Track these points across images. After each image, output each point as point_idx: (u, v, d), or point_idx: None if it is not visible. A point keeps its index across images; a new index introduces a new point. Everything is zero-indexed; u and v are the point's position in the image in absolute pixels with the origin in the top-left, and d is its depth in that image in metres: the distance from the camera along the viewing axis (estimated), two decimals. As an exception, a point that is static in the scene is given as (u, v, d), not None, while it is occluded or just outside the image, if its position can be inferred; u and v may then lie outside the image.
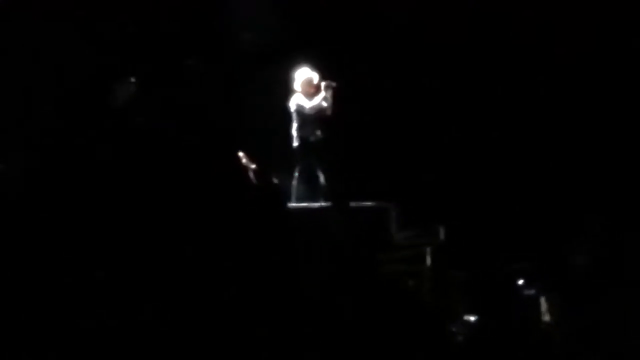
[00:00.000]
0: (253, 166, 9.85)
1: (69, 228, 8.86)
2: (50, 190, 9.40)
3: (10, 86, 10.01)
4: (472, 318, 10.06)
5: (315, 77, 10.92)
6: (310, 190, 10.76)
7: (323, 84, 10.85)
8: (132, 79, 10.49)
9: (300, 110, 10.84)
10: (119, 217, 8.68)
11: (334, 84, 10.84)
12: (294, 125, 10.89)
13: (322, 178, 10.77)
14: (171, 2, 11.56)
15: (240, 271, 8.71)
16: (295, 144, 10.91)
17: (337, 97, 10.86)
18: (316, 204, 10.52)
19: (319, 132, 10.84)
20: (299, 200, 10.69)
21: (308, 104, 10.84)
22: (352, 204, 10.58)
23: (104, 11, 10.92)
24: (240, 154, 10.11)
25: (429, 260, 10.34)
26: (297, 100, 10.89)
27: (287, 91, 10.99)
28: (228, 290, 8.60)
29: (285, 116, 10.99)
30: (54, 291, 8.69)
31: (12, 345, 8.25)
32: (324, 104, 10.84)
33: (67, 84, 10.28)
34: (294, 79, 10.97)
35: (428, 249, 10.41)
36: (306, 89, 10.91)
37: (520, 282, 10.68)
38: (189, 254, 8.68)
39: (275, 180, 9.90)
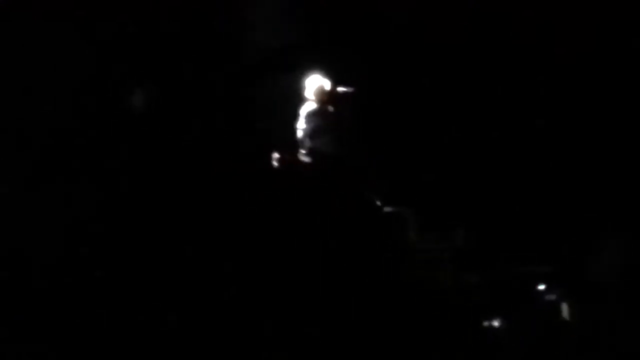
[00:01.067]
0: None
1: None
2: (52, 190, 9.41)
3: (10, 86, 10.00)
4: (493, 323, 10.06)
5: (327, 84, 10.57)
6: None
7: (340, 90, 10.52)
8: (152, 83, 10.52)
9: (311, 121, 10.48)
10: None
11: (351, 90, 10.50)
12: (303, 135, 10.53)
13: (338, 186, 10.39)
14: (171, 2, 11.53)
15: (258, 272, 8.75)
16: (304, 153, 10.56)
17: (354, 104, 10.53)
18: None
19: (329, 144, 10.46)
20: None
21: (321, 117, 10.50)
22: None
23: (104, 11, 10.89)
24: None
25: (448, 265, 10.28)
26: (309, 110, 10.54)
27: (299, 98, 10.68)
28: (241, 289, 8.64)
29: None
30: (54, 291, 8.70)
31: (12, 345, 8.26)
32: (339, 116, 10.48)
33: (67, 84, 10.27)
34: (305, 87, 10.63)
35: (448, 254, 10.36)
36: (319, 97, 10.55)
37: (542, 287, 10.65)
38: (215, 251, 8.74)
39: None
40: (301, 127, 10.56)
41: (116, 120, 10.32)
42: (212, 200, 9.35)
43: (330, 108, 10.65)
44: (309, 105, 10.62)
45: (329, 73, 10.74)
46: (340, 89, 10.58)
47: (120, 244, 9.21)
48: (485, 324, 9.97)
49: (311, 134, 10.55)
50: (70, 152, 9.90)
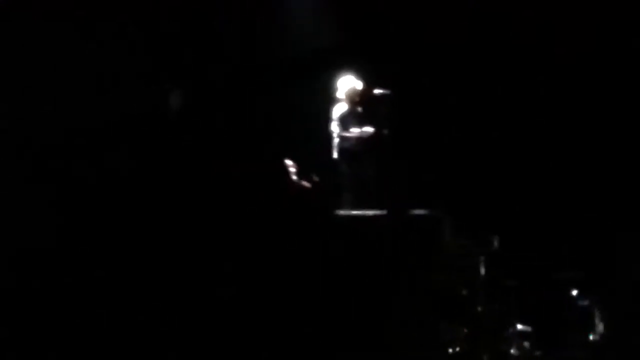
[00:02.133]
0: (293, 170, 9.72)
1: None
2: (53, 191, 9.41)
3: (11, 86, 10.00)
4: (526, 328, 10.05)
5: (359, 85, 10.59)
6: (359, 198, 10.29)
7: (377, 92, 10.46)
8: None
9: (343, 122, 10.50)
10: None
11: (387, 92, 10.42)
12: (336, 136, 10.55)
13: (371, 186, 10.38)
14: (171, 2, 11.53)
15: (279, 273, 8.72)
16: (336, 155, 10.57)
17: (391, 106, 10.44)
18: (369, 212, 9.91)
19: (361, 145, 10.50)
20: (348, 208, 10.15)
21: (353, 119, 10.50)
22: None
23: (104, 11, 10.89)
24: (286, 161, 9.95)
25: (482, 270, 10.24)
26: (341, 111, 10.56)
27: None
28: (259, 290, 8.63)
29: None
30: (54, 291, 8.70)
31: (12, 345, 8.26)
32: (373, 118, 10.45)
33: (67, 83, 10.27)
34: (337, 87, 10.67)
35: (482, 258, 10.32)
36: (351, 99, 10.60)
37: (575, 292, 10.63)
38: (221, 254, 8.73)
39: (318, 181, 9.75)
40: (334, 128, 10.54)
41: (116, 120, 10.32)
42: (214, 201, 9.36)
43: (361, 109, 10.62)
44: (341, 107, 10.60)
45: (362, 74, 10.72)
46: (377, 90, 10.52)
47: (121, 244, 9.21)
48: (517, 328, 9.94)
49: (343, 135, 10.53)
50: (70, 152, 9.90)
